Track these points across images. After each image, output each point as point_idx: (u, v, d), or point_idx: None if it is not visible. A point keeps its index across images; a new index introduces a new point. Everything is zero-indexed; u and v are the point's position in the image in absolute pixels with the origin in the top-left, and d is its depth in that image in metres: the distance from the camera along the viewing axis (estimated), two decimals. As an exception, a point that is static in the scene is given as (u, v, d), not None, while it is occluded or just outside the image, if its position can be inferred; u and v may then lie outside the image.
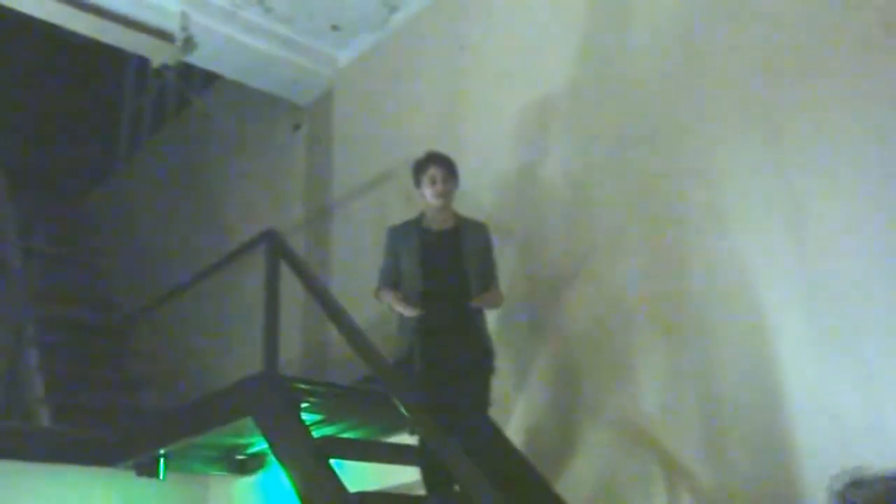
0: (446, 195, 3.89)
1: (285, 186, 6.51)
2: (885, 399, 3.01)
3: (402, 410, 3.47)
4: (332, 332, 5.32)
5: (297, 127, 6.46)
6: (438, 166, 3.89)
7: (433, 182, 3.87)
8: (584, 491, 3.81)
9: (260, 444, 5.32)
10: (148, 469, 5.38)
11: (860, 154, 3.23)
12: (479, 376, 3.73)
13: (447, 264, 3.79)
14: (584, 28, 4.41)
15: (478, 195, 4.54)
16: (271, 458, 5.39)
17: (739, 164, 3.61)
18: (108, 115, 9.66)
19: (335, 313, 4.03)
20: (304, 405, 4.18)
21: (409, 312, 3.74)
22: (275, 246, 4.52)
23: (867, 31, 3.27)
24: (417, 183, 3.94)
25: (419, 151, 5.02)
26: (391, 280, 3.92)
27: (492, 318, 4.03)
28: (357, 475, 4.13)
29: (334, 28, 5.93)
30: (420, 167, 3.94)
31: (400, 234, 3.95)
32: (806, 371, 3.23)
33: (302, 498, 3.71)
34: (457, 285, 3.75)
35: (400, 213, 5.13)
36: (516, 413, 4.12)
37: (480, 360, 3.74)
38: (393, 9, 5.70)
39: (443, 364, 3.66)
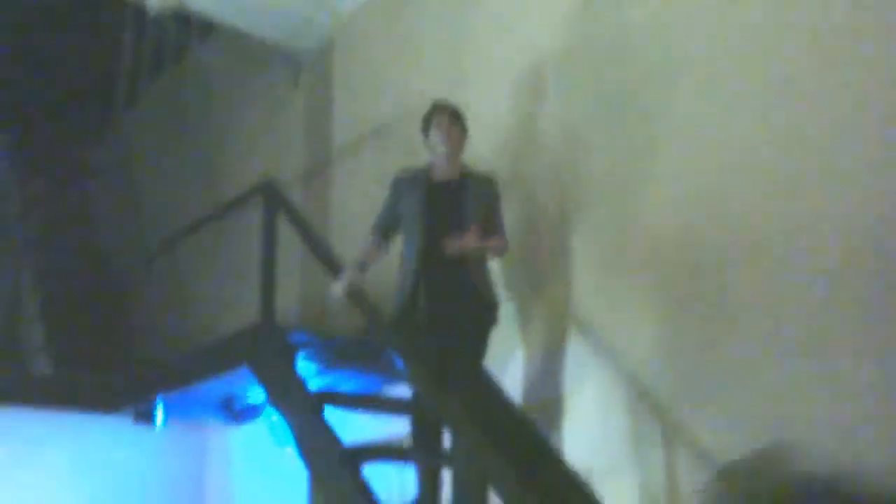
0: (453, 140, 3.88)
1: (284, 138, 6.47)
2: None
3: (399, 363, 3.50)
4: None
5: (296, 83, 6.40)
6: (445, 114, 3.90)
7: (439, 128, 3.87)
8: (579, 445, 3.85)
9: (257, 394, 5.37)
10: (146, 416, 5.44)
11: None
12: (480, 328, 3.75)
13: (449, 214, 3.78)
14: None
15: (477, 146, 4.51)
16: (269, 407, 5.45)
17: (735, 109, 3.57)
18: (106, 65, 9.57)
19: (332, 265, 4.04)
20: (300, 355, 4.21)
21: (336, 286, 3.81)
22: (272, 197, 4.51)
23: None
24: (426, 134, 3.93)
25: (421, 104, 4.98)
26: (382, 228, 3.95)
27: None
28: (353, 426, 4.17)
29: (336, -26, 5.85)
30: (428, 117, 3.94)
31: (405, 182, 3.94)
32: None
33: (298, 447, 3.76)
34: (458, 235, 3.72)
35: (400, 167, 5.12)
36: (515, 363, 4.13)
37: (482, 313, 3.76)
38: (396, -44, 5.61)
39: (444, 316, 3.66)
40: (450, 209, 3.79)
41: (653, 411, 3.64)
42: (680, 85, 3.82)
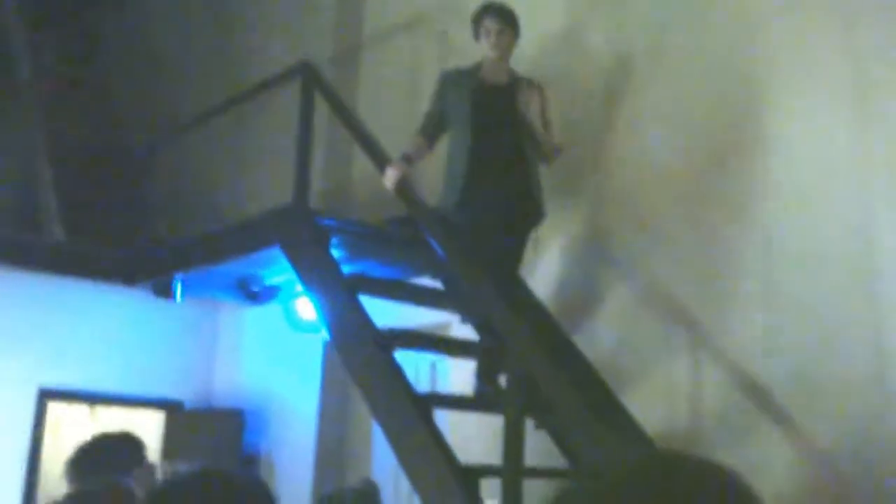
0: (502, 48, 3.82)
1: (313, 21, 6.32)
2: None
3: (439, 253, 3.54)
4: (356, 171, 5.36)
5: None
6: (494, 18, 3.81)
7: (488, 34, 3.81)
8: (603, 347, 3.93)
9: (274, 276, 5.41)
10: (165, 290, 5.48)
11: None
12: (524, 229, 3.80)
13: (500, 117, 3.77)
14: None
15: (518, 49, 4.45)
16: (283, 291, 5.51)
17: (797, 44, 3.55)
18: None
19: (374, 150, 4.03)
20: (332, 240, 4.23)
21: (388, 178, 3.75)
22: (310, 79, 4.46)
23: None
24: (476, 34, 3.88)
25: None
26: (429, 129, 3.92)
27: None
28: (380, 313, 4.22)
29: None
30: (478, 19, 3.85)
31: (452, 81, 3.90)
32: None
33: (330, 330, 3.82)
34: (509, 139, 3.73)
35: (434, 60, 5.04)
36: (544, 263, 4.17)
37: (530, 214, 3.80)
38: None
39: (491, 215, 3.70)
40: (500, 111, 3.77)
41: (680, 318, 3.73)
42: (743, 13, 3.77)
